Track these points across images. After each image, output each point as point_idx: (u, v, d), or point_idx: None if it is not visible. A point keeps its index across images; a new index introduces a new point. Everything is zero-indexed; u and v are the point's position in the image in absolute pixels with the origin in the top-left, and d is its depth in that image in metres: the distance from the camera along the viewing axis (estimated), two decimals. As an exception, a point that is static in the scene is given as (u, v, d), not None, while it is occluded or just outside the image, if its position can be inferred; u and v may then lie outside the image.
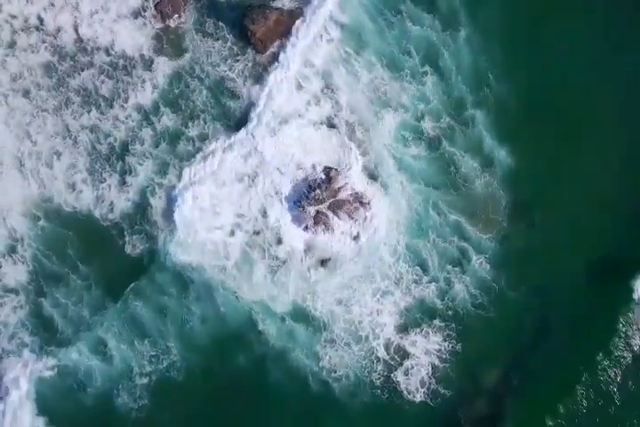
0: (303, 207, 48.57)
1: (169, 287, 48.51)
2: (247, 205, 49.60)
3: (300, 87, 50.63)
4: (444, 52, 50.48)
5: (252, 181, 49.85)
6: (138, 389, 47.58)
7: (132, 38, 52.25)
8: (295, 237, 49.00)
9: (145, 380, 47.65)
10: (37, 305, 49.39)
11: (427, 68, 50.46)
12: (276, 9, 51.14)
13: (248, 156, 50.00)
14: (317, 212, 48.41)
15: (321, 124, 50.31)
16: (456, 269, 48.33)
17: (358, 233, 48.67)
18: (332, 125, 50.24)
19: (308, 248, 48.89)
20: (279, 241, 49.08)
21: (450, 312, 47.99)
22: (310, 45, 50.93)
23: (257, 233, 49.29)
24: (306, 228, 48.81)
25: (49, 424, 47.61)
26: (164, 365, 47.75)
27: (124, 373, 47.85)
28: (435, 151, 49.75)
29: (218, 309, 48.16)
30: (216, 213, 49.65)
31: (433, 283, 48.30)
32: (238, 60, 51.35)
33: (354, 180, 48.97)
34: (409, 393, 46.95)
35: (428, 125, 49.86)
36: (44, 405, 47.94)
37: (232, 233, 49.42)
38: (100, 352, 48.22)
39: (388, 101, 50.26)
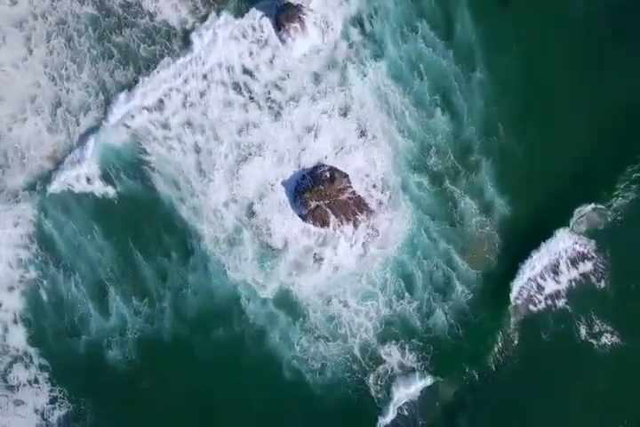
0: (305, 199, 51.62)
1: (171, 250, 52.30)
2: (246, 180, 52.80)
3: (315, 77, 53.78)
4: (456, 89, 52.79)
5: (255, 153, 53.10)
6: (129, 343, 51.79)
7: (177, 11, 54.59)
8: (290, 225, 52.14)
9: (136, 336, 51.79)
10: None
11: (437, 97, 52.94)
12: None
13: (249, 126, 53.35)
14: (317, 206, 51.51)
15: (333, 111, 53.23)
16: (437, 294, 51.24)
17: (353, 235, 51.79)
18: (344, 114, 53.23)
19: (302, 238, 52.04)
20: (272, 225, 52.19)
21: (429, 335, 51.00)
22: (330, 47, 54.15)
23: (252, 214, 52.46)
24: (304, 218, 52.08)
25: (40, 356, 52.24)
26: (156, 325, 51.81)
27: (117, 326, 52.04)
28: (436, 186, 52.21)
29: (210, 280, 51.84)
30: (210, 180, 53.05)
31: (416, 302, 51.11)
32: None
33: (357, 185, 51.93)
34: (378, 401, 50.43)
35: (432, 159, 52.32)
36: (39, 337, 52.62)
37: (226, 204, 52.75)
38: (96, 298, 52.49)
39: (395, 118, 52.89)
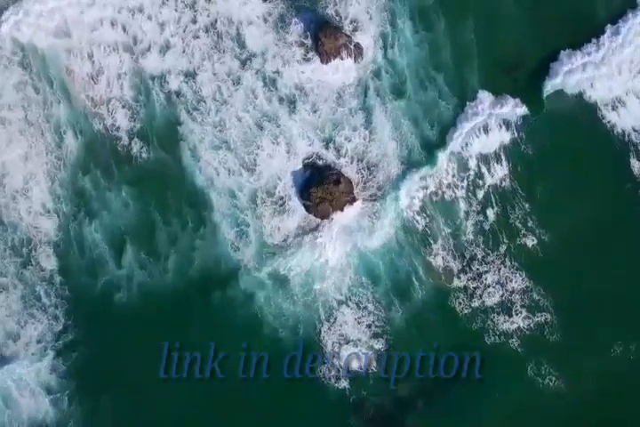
0: (311, 193, 57.74)
1: (186, 218, 59.28)
2: (256, 167, 59.27)
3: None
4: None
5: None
6: (135, 291, 58.89)
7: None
8: (293, 215, 58.80)
9: (142, 286, 58.79)
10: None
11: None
12: (347, 36, 59.04)
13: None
14: (321, 201, 57.77)
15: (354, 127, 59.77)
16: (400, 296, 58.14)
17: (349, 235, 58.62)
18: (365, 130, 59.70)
19: (302, 225, 58.80)
20: (276, 213, 58.78)
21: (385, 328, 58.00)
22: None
23: (258, 199, 58.94)
24: (308, 209, 58.54)
25: (62, 285, 59.12)
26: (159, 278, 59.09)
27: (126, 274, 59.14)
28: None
29: (215, 249, 59.03)
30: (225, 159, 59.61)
31: (377, 289, 58.15)
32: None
33: (360, 193, 58.77)
34: (332, 379, 57.65)
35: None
36: (65, 268, 59.38)
37: (234, 184, 59.17)
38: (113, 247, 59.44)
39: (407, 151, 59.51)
